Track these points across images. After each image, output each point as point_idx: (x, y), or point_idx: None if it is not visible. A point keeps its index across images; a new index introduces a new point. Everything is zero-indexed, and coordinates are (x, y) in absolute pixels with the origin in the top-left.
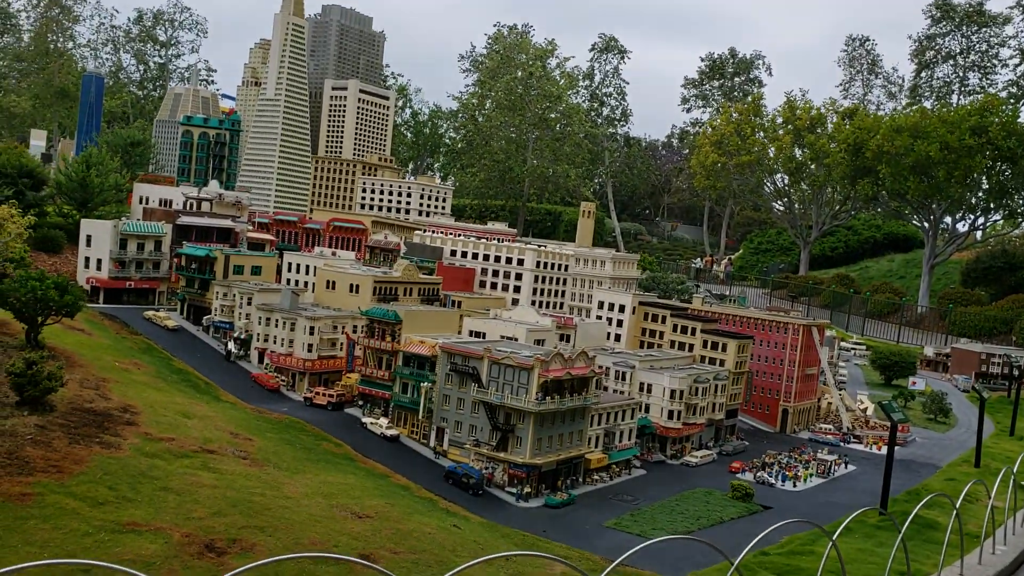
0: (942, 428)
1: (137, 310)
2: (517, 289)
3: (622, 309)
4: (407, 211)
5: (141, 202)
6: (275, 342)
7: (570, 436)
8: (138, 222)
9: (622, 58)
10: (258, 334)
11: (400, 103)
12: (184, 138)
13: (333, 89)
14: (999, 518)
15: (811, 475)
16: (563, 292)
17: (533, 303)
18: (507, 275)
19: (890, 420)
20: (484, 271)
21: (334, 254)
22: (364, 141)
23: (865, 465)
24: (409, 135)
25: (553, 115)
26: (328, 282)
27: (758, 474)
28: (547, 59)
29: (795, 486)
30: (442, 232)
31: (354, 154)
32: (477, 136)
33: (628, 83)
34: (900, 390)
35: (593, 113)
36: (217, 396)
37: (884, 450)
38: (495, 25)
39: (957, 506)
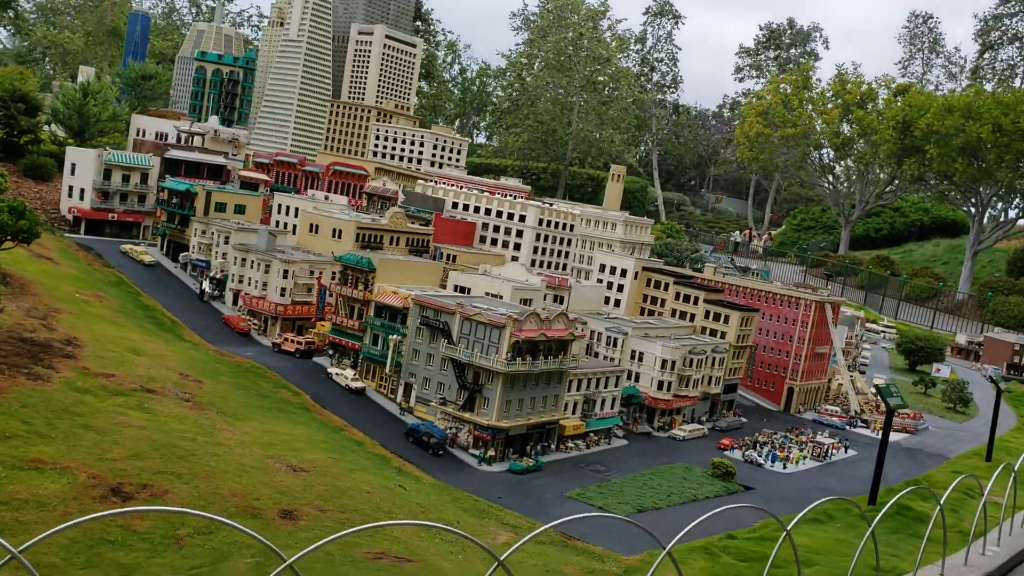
0: (960, 418)
1: (118, 243)
2: (518, 247)
3: (623, 273)
4: (419, 161)
5: (137, 134)
6: (249, 284)
7: (544, 400)
8: (123, 152)
9: (676, 23)
10: (233, 275)
11: (449, 59)
12: (197, 74)
13: (359, 34)
14: (999, 516)
15: (805, 457)
16: (567, 253)
17: (533, 263)
18: (508, 231)
19: (886, 404)
20: (485, 226)
21: (327, 198)
22: (388, 88)
23: (867, 451)
24: (456, 92)
25: (601, 78)
26: (311, 226)
27: (746, 453)
28: (599, 20)
29: (785, 468)
30: (446, 183)
31: (376, 101)
32: (523, 96)
33: (680, 49)
34: (922, 376)
35: (643, 78)
36: (180, 335)
37: (892, 437)
38: None
39: (942, 501)
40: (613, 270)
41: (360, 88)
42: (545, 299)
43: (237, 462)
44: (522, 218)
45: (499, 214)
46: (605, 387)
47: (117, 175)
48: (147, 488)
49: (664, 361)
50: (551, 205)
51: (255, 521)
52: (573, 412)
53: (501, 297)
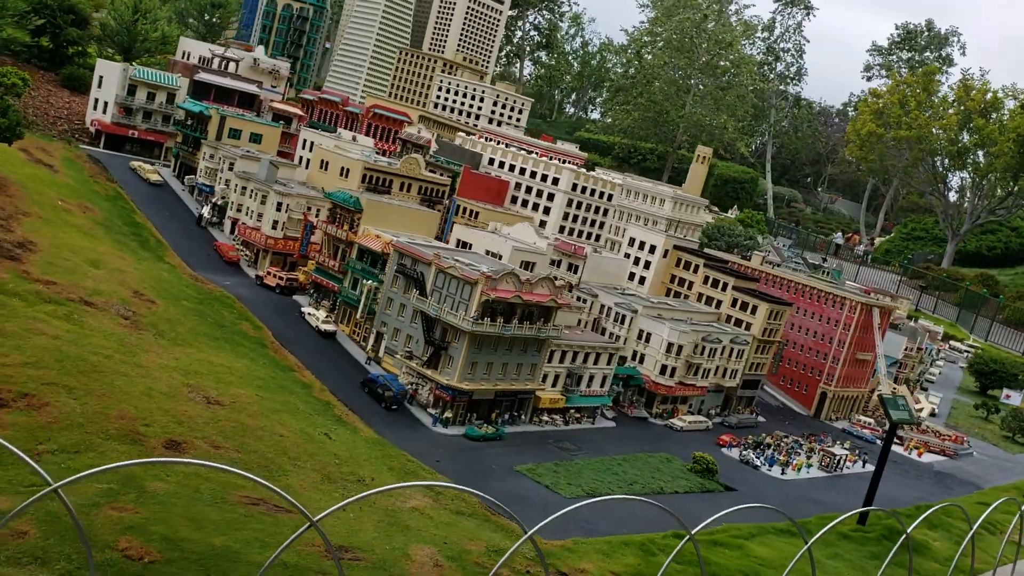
0: (1015, 449)
1: (132, 160)
2: (548, 211)
3: (652, 250)
4: (477, 116)
5: (182, 57)
6: (247, 214)
7: (517, 368)
8: (148, 69)
9: (808, 14)
10: (232, 203)
11: (572, 31)
12: (268, 7)
13: None
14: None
15: (810, 466)
16: (602, 224)
17: (562, 229)
18: (540, 194)
19: (888, 417)
20: (518, 186)
21: (354, 138)
22: (470, 42)
23: (889, 469)
24: (576, 65)
25: (722, 63)
26: (322, 162)
27: (743, 453)
28: (726, 4)
29: (783, 473)
30: (486, 138)
31: (457, 54)
32: (640, 74)
33: (808, 41)
34: (988, 400)
35: (766, 67)
36: (161, 256)
37: (925, 457)
38: None
39: (908, 528)
40: (642, 245)
41: (441, 41)
42: (558, 265)
43: (146, 386)
44: (555, 181)
45: (533, 175)
46: (594, 363)
47: (142, 92)
48: (26, 398)
49: (670, 345)
50: (590, 171)
51: (132, 447)
52: (554, 385)
53: (500, 257)
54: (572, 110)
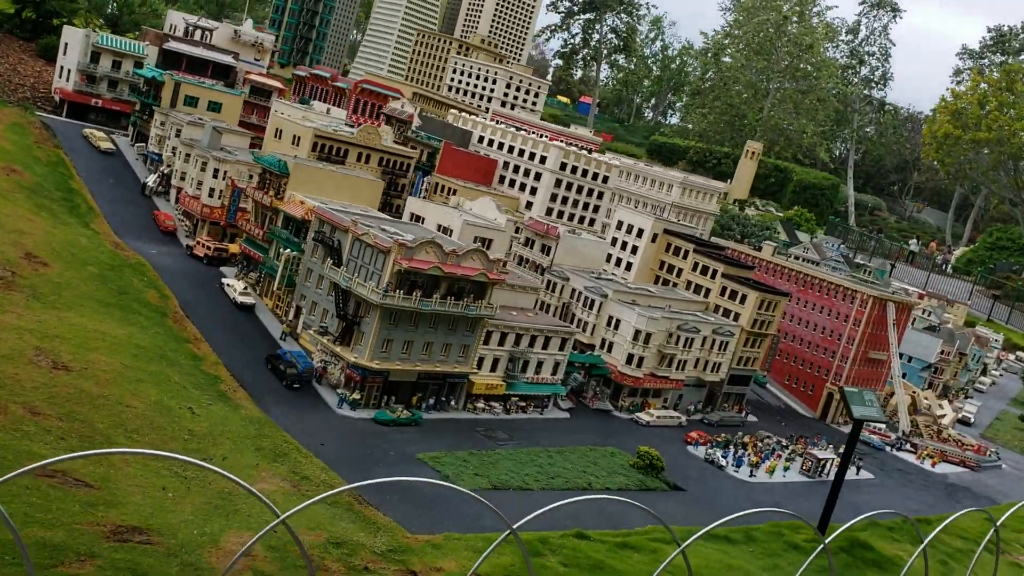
0: None
1: (104, 131)
2: (535, 192)
3: (640, 233)
4: (490, 99)
5: (170, 30)
6: (189, 182)
7: (445, 348)
8: (113, 36)
9: (894, 16)
10: (176, 171)
11: (652, 35)
12: None
13: None
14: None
15: (787, 469)
16: (596, 207)
17: (550, 211)
18: (527, 173)
19: (850, 415)
20: (507, 165)
21: (328, 111)
22: (502, 28)
23: (892, 479)
24: (655, 69)
25: (802, 65)
26: (276, 130)
27: (709, 451)
28: (809, 6)
29: (751, 475)
30: (476, 116)
31: (486, 41)
32: (718, 76)
33: (894, 44)
34: None
35: (849, 71)
36: (87, 223)
37: (939, 468)
38: None
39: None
40: (630, 229)
41: (473, 26)
42: (531, 246)
43: None
44: (543, 159)
45: (521, 153)
46: (543, 348)
47: (107, 59)
48: None
49: (637, 332)
50: (574, 149)
51: None
52: (493, 370)
53: (450, 232)
54: (651, 114)
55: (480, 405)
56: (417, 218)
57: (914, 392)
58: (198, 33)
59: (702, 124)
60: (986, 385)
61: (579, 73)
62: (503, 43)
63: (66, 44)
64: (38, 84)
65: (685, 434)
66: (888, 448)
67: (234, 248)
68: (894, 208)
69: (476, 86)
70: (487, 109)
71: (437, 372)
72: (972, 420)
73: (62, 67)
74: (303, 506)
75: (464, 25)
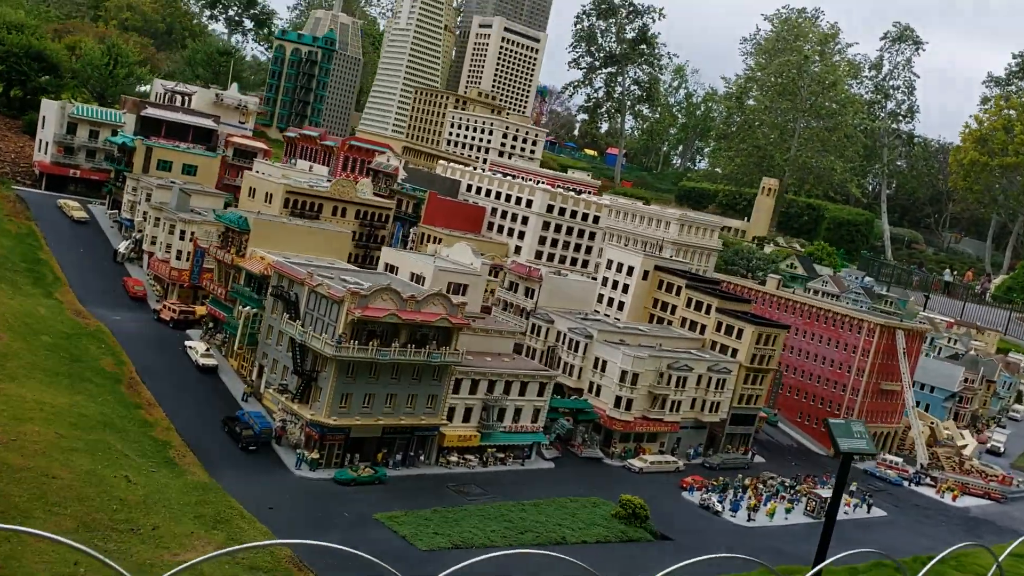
0: None
1: (79, 201)
2: (523, 236)
3: (630, 271)
4: (487, 150)
5: (155, 98)
6: (159, 246)
7: (411, 400)
8: (89, 106)
9: (917, 49)
10: (147, 235)
11: (675, 83)
12: (276, 53)
13: (479, 27)
14: None
15: (789, 511)
16: (588, 248)
17: (539, 255)
18: (514, 217)
19: (836, 449)
20: (495, 212)
21: (310, 168)
22: (505, 82)
23: (907, 516)
24: (680, 117)
25: (826, 103)
26: (250, 189)
27: (703, 496)
28: (828, 44)
29: (749, 520)
30: (470, 167)
31: (483, 94)
32: (742, 119)
33: (919, 77)
34: None
35: (876, 106)
36: (51, 292)
37: (961, 501)
38: (781, 8)
39: None
40: (620, 267)
41: (476, 81)
42: (514, 290)
43: None
44: (529, 203)
45: (508, 198)
46: (521, 394)
47: (84, 130)
48: None
49: (624, 373)
50: (568, 192)
51: None
52: (466, 420)
53: (423, 280)
54: (679, 161)
55: (453, 459)
56: (391, 268)
57: (933, 423)
58: (179, 99)
59: (729, 167)
60: (1020, 413)
61: (605, 126)
62: (506, 97)
63: (43, 117)
64: (19, 159)
65: (681, 479)
66: (906, 483)
67: (201, 310)
68: (931, 240)
69: (474, 138)
70: (485, 160)
71: (403, 426)
72: (1003, 449)
73: (41, 140)
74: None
75: (468, 81)
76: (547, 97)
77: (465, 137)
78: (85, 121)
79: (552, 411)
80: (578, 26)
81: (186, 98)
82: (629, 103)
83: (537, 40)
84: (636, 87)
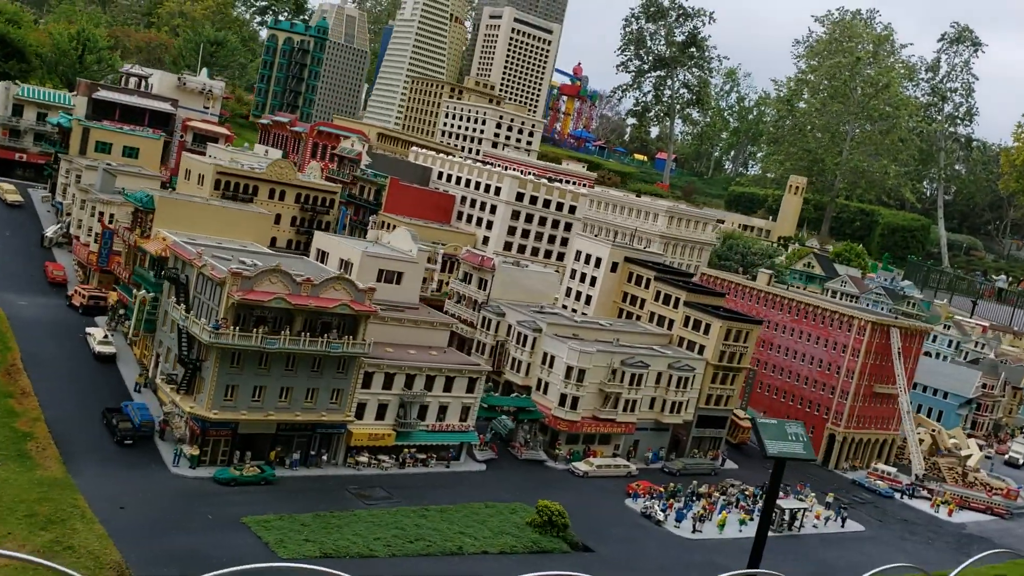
0: None
1: (15, 184)
2: (492, 225)
3: (598, 263)
4: (480, 140)
5: (122, 81)
6: (84, 230)
7: (312, 394)
8: (37, 88)
9: (975, 51)
10: (74, 219)
11: (727, 87)
12: (269, 43)
13: (490, 17)
14: None
15: (743, 523)
16: (564, 240)
17: (509, 246)
18: (483, 206)
19: (763, 451)
20: (464, 200)
21: (266, 152)
22: (515, 74)
23: (889, 531)
24: (732, 120)
25: (880, 105)
26: (186, 172)
27: (645, 504)
28: (883, 45)
29: (694, 531)
30: (444, 154)
31: (502, 84)
32: (792, 122)
33: (978, 79)
34: None
35: (933, 109)
36: None
37: (958, 516)
38: (834, 10)
39: None
40: (588, 259)
41: (486, 72)
42: (467, 279)
43: None
44: (498, 191)
45: (478, 186)
46: (447, 390)
47: (31, 112)
48: None
49: (569, 368)
50: (534, 180)
51: None
52: (380, 417)
53: (350, 266)
54: (730, 166)
55: (363, 459)
56: (323, 254)
57: (935, 430)
58: (137, 82)
59: (779, 171)
60: None
61: (655, 130)
62: (517, 89)
63: None
64: None
65: (628, 485)
66: (899, 495)
67: (114, 296)
68: (991, 247)
69: (468, 128)
70: (478, 151)
71: (301, 422)
72: (1022, 461)
73: None
74: None
75: (478, 73)
76: (596, 102)
77: (459, 127)
78: (32, 103)
79: (490, 410)
80: (627, 29)
81: (143, 81)
82: (678, 107)
83: (550, 32)
84: (686, 91)
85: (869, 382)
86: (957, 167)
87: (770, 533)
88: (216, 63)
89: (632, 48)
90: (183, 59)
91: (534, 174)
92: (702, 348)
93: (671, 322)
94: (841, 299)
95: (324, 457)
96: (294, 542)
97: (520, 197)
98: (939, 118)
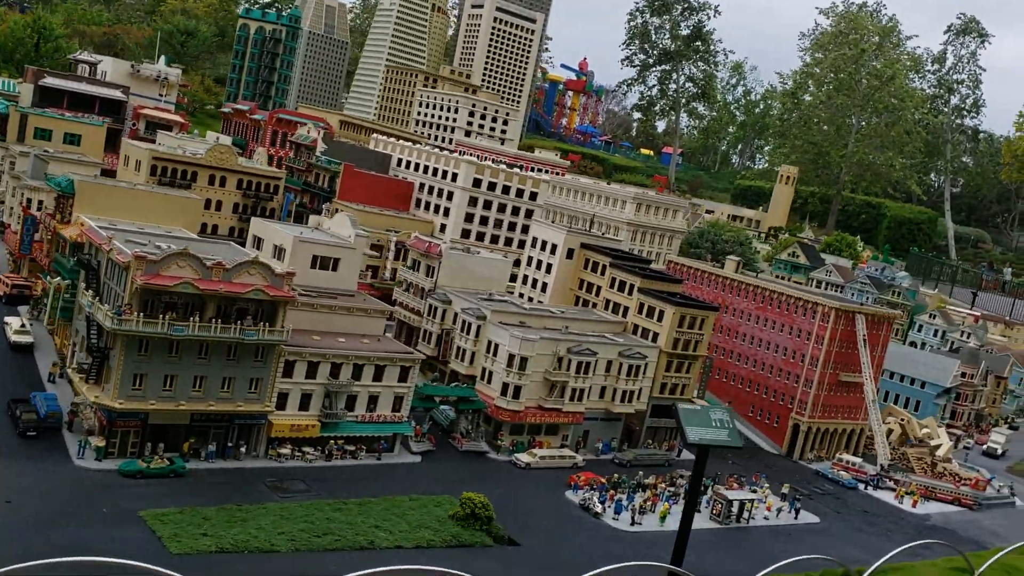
0: None
1: None
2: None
3: (554, 250)
4: (452, 129)
5: (74, 68)
6: (15, 218)
7: (229, 383)
8: None
9: (982, 42)
10: (7, 207)
11: (733, 81)
12: (240, 32)
13: (472, 7)
14: None
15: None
16: (526, 228)
17: (467, 233)
18: (440, 193)
19: (683, 439)
20: (422, 187)
21: (217, 139)
22: (498, 64)
23: (845, 523)
24: (739, 114)
25: (885, 98)
26: (125, 158)
27: (584, 496)
28: (887, 37)
29: (633, 523)
30: (411, 142)
31: (482, 82)
32: (796, 116)
33: (984, 71)
34: None
35: (939, 101)
36: None
37: (921, 508)
38: (839, 2)
39: None
40: (544, 245)
41: (468, 63)
42: (415, 267)
43: None
44: (455, 177)
45: (435, 172)
46: (378, 379)
47: None
48: None
49: (511, 356)
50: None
51: None
52: (304, 408)
53: (283, 253)
54: (738, 160)
55: (286, 451)
56: (258, 240)
57: (903, 420)
58: (87, 69)
59: (784, 164)
60: None
61: (661, 125)
62: (500, 79)
63: None
64: None
65: (570, 476)
66: (863, 486)
67: (40, 284)
68: (999, 239)
69: (441, 117)
70: (451, 140)
71: (216, 412)
72: (1000, 451)
73: None
74: None
75: (460, 64)
76: (602, 97)
77: (433, 116)
78: None
79: (427, 400)
80: (631, 23)
81: (93, 68)
82: (684, 101)
83: (533, 21)
84: (691, 84)
85: (834, 370)
86: (964, 159)
87: (717, 525)
88: (187, 53)
89: (637, 42)
90: (152, 49)
91: (504, 162)
92: (656, 336)
93: (627, 310)
94: (826, 288)
95: (243, 449)
96: (190, 536)
97: (477, 183)
98: (946, 110)
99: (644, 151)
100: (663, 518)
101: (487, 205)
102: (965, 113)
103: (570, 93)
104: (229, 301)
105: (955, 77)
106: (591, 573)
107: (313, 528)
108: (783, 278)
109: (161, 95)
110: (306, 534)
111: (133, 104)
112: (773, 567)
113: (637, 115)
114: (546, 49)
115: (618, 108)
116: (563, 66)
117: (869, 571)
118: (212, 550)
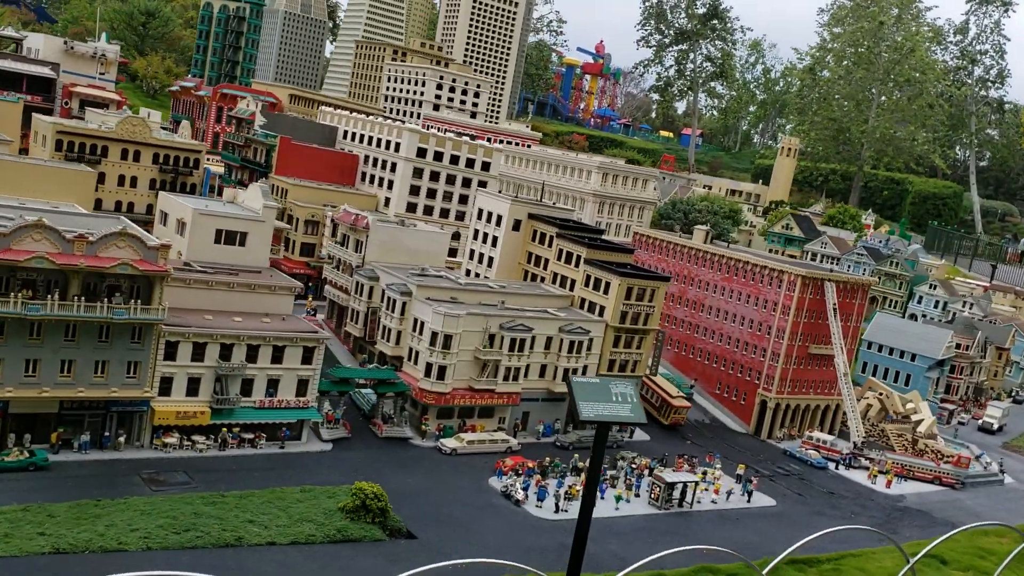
0: None
1: None
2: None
3: (499, 221)
4: (420, 104)
5: (27, 53)
6: None
7: (102, 367)
8: None
9: (1006, 10)
10: None
11: (752, 59)
12: (204, 11)
13: None
14: None
15: (620, 499)
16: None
17: (413, 207)
18: (384, 165)
19: (575, 415)
20: (367, 160)
21: (148, 115)
22: (481, 42)
23: (805, 506)
24: (758, 93)
25: (907, 71)
26: (35, 134)
27: (506, 482)
28: (907, 9)
29: (556, 511)
30: (362, 113)
31: (465, 59)
32: (814, 92)
33: (1009, 40)
34: None
35: (963, 72)
36: None
37: (896, 488)
38: None
39: None
40: (490, 217)
41: (450, 41)
42: (344, 242)
43: None
44: (397, 147)
45: (379, 143)
46: (277, 362)
47: None
48: None
49: (434, 334)
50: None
51: None
52: (193, 393)
53: (184, 226)
54: (759, 139)
55: (173, 440)
56: (164, 216)
57: (883, 394)
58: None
59: (805, 142)
60: None
61: (680, 106)
62: (484, 57)
63: None
64: None
65: (497, 461)
66: (834, 465)
67: None
68: None
69: (409, 91)
70: (418, 115)
71: (89, 399)
72: (996, 426)
73: None
74: None
75: (443, 42)
76: (620, 79)
77: (401, 91)
78: None
79: (342, 383)
80: (647, 3)
81: (18, 44)
82: (701, 80)
83: (515, 3)
84: (708, 64)
85: (803, 342)
86: (990, 131)
87: (657, 511)
88: (148, 34)
89: (653, 22)
90: (113, 31)
91: (470, 135)
92: (603, 310)
93: (574, 283)
94: (821, 261)
95: (123, 439)
96: (24, 536)
97: (423, 153)
98: (969, 81)
99: (664, 133)
100: (620, 501)
101: (435, 176)
102: (990, 84)
103: (587, 77)
104: (97, 277)
105: (978, 48)
106: None
107: (174, 524)
108: (778, 252)
109: (102, 73)
110: (164, 531)
111: (64, 82)
112: (655, 556)
113: (655, 97)
114: (560, 32)
115: (636, 90)
116: (579, 49)
117: (774, 562)
118: (47, 550)
